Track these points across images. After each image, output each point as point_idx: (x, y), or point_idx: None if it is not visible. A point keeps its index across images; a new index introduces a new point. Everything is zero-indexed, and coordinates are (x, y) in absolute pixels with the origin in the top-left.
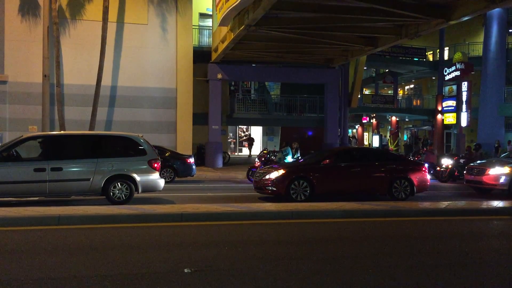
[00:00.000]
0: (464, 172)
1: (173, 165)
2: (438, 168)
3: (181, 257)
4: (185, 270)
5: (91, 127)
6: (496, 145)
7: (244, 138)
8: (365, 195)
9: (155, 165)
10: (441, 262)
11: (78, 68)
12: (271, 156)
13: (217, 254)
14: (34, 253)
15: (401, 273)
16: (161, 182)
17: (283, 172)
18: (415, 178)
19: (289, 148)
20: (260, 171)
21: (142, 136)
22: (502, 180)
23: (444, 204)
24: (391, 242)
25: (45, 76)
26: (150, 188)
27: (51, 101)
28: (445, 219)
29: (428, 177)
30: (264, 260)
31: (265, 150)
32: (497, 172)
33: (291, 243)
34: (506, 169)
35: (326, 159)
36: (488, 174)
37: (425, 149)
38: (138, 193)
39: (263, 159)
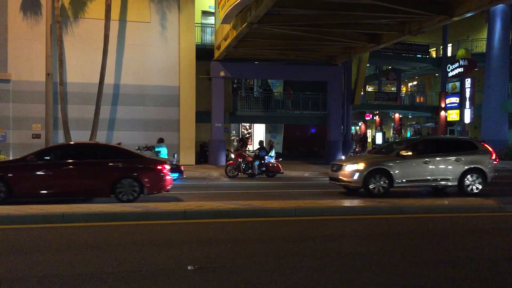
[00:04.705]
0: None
1: None
2: None
3: (184, 255)
4: (189, 267)
5: (94, 126)
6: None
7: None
8: (84, 196)
9: None
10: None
11: (81, 66)
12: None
13: (220, 251)
14: (38, 251)
15: (404, 270)
16: None
17: None
18: (146, 177)
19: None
20: None
21: None
22: (355, 177)
23: (447, 200)
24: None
25: (48, 74)
26: None
27: (54, 99)
28: (452, 215)
29: (168, 177)
30: (267, 257)
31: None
32: (351, 168)
33: (293, 240)
34: (360, 165)
35: (31, 155)
36: (344, 171)
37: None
38: None
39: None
